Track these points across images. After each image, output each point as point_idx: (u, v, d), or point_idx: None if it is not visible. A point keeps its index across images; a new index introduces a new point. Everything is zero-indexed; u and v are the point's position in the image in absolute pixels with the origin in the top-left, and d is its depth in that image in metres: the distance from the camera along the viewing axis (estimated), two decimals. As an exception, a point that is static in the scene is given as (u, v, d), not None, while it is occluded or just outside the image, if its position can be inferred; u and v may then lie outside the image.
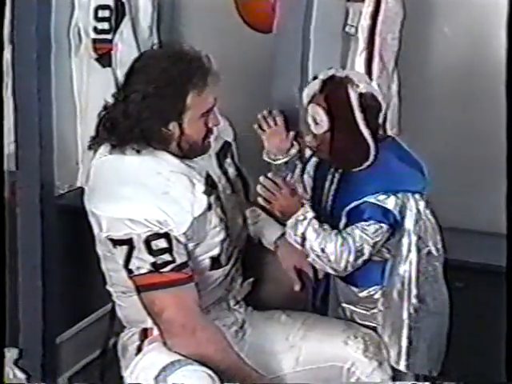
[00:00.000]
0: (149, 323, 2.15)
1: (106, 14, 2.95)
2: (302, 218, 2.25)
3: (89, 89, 2.95)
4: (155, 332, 2.14)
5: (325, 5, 2.73)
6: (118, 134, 2.10)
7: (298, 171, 2.53)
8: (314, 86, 2.31)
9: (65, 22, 2.91)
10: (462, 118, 3.07)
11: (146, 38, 3.12)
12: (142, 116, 2.05)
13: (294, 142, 2.51)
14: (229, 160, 2.35)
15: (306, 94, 2.33)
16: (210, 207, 2.14)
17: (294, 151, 2.52)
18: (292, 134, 2.50)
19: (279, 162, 2.52)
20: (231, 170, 2.34)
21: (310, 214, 2.26)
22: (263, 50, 2.89)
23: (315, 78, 2.34)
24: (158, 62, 2.09)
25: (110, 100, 2.16)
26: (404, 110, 3.01)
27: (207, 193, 2.13)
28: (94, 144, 2.19)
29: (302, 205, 2.28)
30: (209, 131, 2.17)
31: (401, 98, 2.94)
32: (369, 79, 2.42)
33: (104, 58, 2.97)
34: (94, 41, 2.95)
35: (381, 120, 2.33)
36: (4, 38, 2.68)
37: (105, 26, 2.96)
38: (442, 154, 3.00)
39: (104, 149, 2.16)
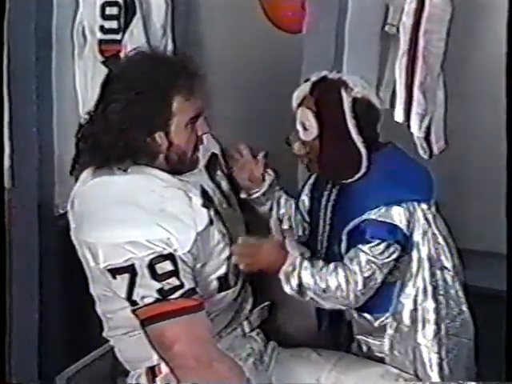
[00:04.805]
0: (154, 360, 2.15)
1: (115, 11, 2.91)
2: (291, 268, 2.23)
3: (94, 95, 2.71)
4: (164, 368, 2.14)
5: (361, 1, 2.69)
6: (101, 152, 2.10)
7: (282, 201, 2.53)
8: (304, 89, 2.31)
9: (67, 21, 2.87)
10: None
11: (158, 39, 3.08)
12: (124, 127, 2.06)
13: (269, 171, 2.49)
14: (220, 173, 2.39)
15: (296, 96, 2.32)
16: (211, 222, 2.16)
17: (268, 177, 2.49)
18: (261, 154, 2.48)
19: (257, 195, 2.48)
20: (224, 184, 2.38)
21: (298, 260, 2.23)
22: (291, 52, 2.86)
23: (307, 80, 2.32)
24: (137, 66, 2.13)
25: (86, 117, 2.19)
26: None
27: (205, 206, 2.15)
28: (76, 169, 2.20)
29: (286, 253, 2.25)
30: (198, 140, 2.19)
31: (447, 106, 2.88)
32: (366, 84, 2.35)
33: (111, 61, 2.92)
34: (101, 41, 2.91)
35: (379, 129, 2.32)
36: (4, 38, 2.67)
37: (113, 24, 2.92)
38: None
39: (87, 173, 2.16)
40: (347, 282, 2.19)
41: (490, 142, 2.84)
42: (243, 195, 2.48)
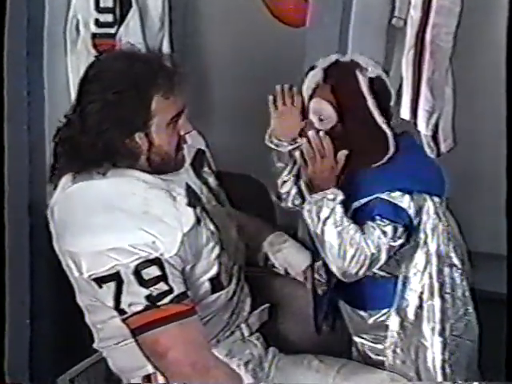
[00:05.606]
0: (149, 368, 2.13)
1: (110, 3, 2.89)
2: (331, 196, 2.19)
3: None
4: (160, 376, 2.12)
5: (367, -6, 2.68)
6: (79, 155, 2.07)
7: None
8: (315, 77, 2.25)
9: (60, 15, 2.86)
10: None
11: (155, 32, 3.05)
12: (102, 128, 2.03)
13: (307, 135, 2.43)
14: (206, 169, 2.37)
15: (307, 86, 2.27)
16: (198, 221, 2.13)
17: (301, 141, 2.37)
18: (307, 122, 2.39)
19: (283, 148, 2.42)
20: (211, 180, 2.36)
21: (340, 197, 2.19)
22: (293, 47, 2.84)
23: (312, 67, 2.27)
24: (114, 65, 2.10)
25: (63, 120, 2.14)
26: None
27: (191, 205, 2.12)
28: (55, 175, 2.16)
29: (337, 183, 2.21)
30: (181, 140, 2.16)
31: (456, 103, 2.86)
32: (375, 63, 2.30)
33: (105, 56, 2.96)
34: (94, 35, 2.90)
35: (392, 104, 2.29)
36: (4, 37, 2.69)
37: (108, 18, 2.90)
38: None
39: (66, 179, 2.13)
40: (360, 253, 2.15)
41: (490, 144, 2.85)
42: (268, 142, 2.42)
